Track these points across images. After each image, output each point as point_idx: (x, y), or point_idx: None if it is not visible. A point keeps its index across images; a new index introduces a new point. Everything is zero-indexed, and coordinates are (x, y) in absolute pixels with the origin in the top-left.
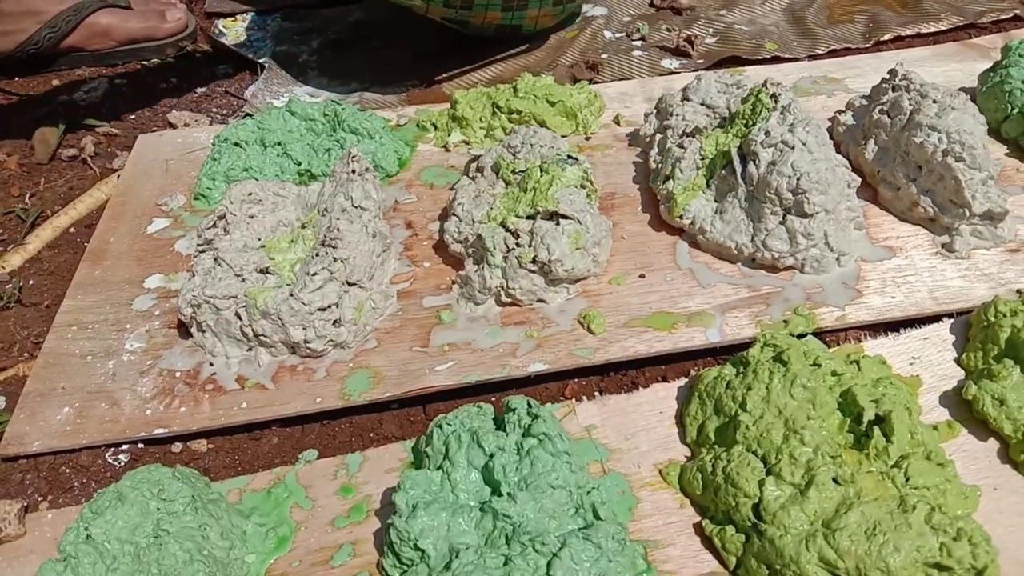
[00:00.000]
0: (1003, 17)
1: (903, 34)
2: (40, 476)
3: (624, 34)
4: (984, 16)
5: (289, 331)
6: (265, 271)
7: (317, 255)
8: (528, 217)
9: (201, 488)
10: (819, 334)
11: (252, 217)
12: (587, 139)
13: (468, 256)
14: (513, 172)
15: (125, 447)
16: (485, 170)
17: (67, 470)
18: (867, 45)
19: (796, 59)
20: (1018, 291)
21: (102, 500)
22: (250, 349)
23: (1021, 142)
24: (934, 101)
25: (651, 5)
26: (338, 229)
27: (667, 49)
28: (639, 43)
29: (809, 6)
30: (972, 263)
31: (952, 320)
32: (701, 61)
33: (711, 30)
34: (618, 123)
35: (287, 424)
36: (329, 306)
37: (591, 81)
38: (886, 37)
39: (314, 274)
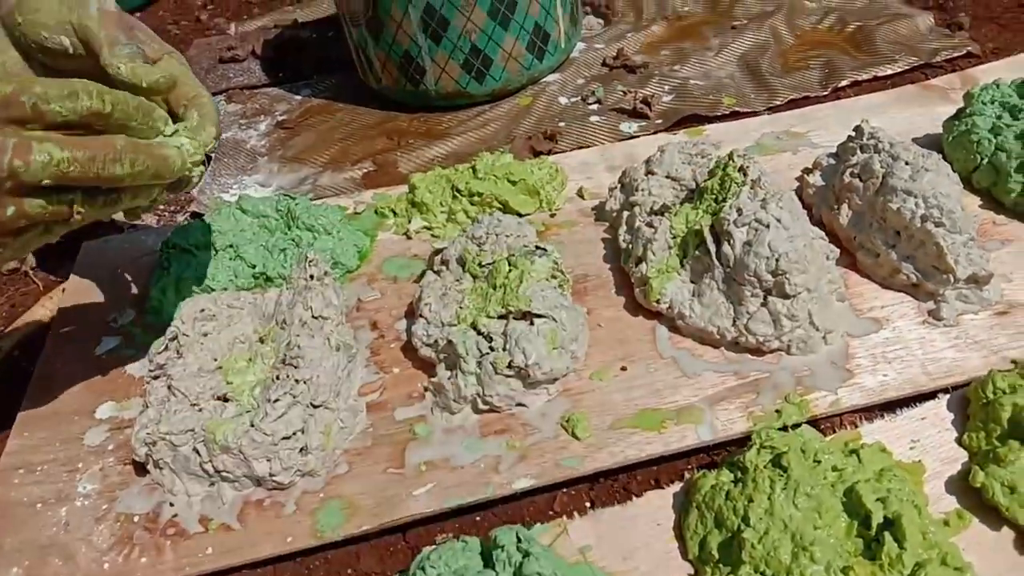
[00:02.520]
0: (957, 55)
1: (860, 78)
2: None
3: (579, 98)
4: (938, 55)
5: (252, 465)
6: (223, 398)
7: (278, 378)
8: (500, 317)
9: None
10: (813, 421)
11: (206, 335)
12: (552, 216)
13: (440, 361)
14: (479, 265)
15: None
16: (450, 263)
17: None
18: (825, 92)
19: (756, 112)
20: (1013, 361)
21: None
22: (212, 484)
23: (993, 192)
24: (907, 163)
25: (604, 65)
26: (299, 347)
27: (624, 111)
28: (595, 107)
29: (763, 55)
30: (961, 330)
31: (948, 396)
32: (660, 121)
33: (667, 87)
34: (582, 196)
35: (256, 566)
36: (294, 433)
37: (550, 152)
38: (843, 83)
39: (275, 400)
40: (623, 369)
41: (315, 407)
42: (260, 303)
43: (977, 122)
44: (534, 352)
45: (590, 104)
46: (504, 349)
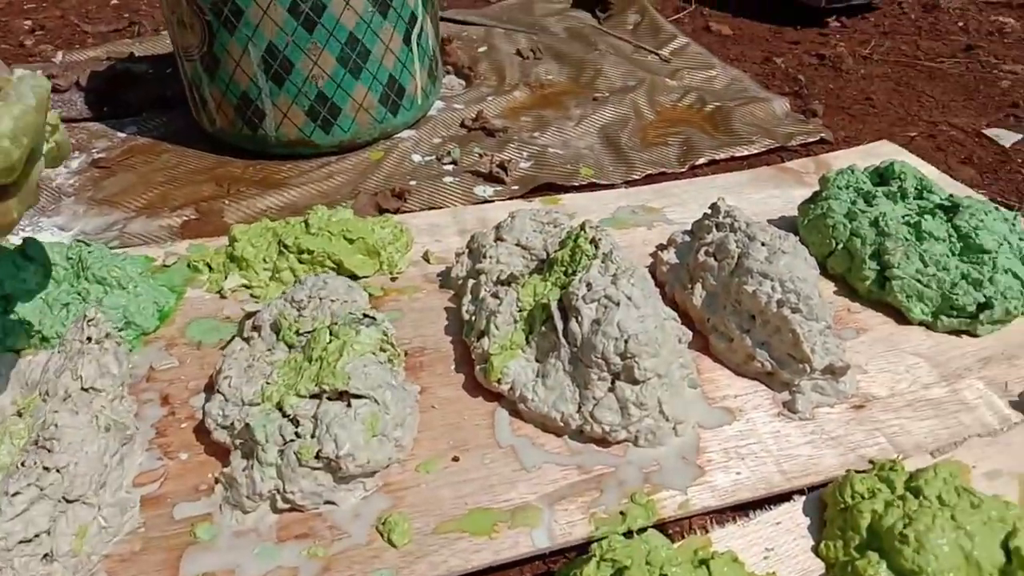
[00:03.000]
0: (811, 140)
1: (717, 157)
2: None
3: (434, 157)
4: (793, 139)
5: None
6: None
7: (23, 465)
8: (312, 396)
9: None
10: (661, 525)
11: None
12: (393, 280)
13: (235, 448)
14: (297, 334)
15: None
16: (263, 329)
17: None
18: (682, 169)
19: (613, 185)
20: (871, 461)
21: None
22: None
23: (848, 279)
24: (763, 244)
25: (462, 126)
26: (56, 426)
27: (480, 174)
28: (450, 167)
29: (623, 129)
30: (817, 425)
31: (804, 497)
32: (516, 187)
33: (525, 154)
34: (428, 260)
35: None
36: (36, 536)
37: (397, 211)
38: (701, 161)
39: (15, 494)
40: (455, 460)
41: (68, 502)
42: (25, 368)
43: (833, 206)
44: (348, 440)
45: (445, 164)
46: (313, 436)
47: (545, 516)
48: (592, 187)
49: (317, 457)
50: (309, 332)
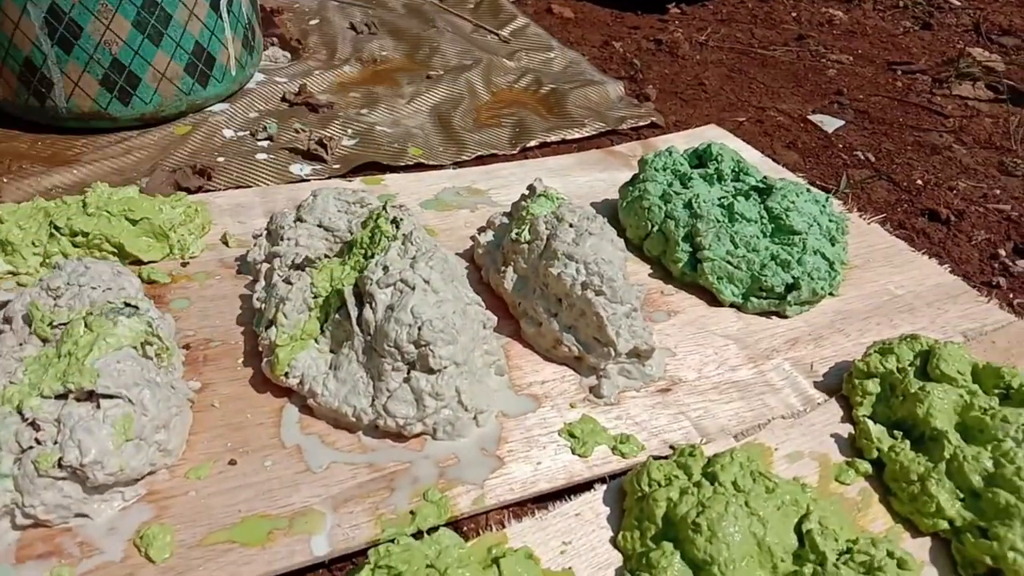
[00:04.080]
0: (641, 124)
1: (548, 140)
2: None
3: (248, 133)
4: (624, 123)
5: None
6: None
7: None
8: (58, 397)
9: None
10: (455, 522)
11: None
12: (184, 265)
13: None
14: (51, 326)
15: None
16: (15, 321)
17: None
18: (514, 151)
19: (441, 166)
20: (671, 446)
21: None
22: None
23: (663, 261)
24: (571, 225)
25: (283, 100)
26: None
27: (298, 151)
28: (266, 143)
29: (456, 108)
30: (623, 410)
31: (605, 487)
32: (337, 166)
33: (350, 131)
34: (226, 243)
35: None
36: None
37: (200, 189)
38: (532, 143)
39: None
40: (231, 463)
41: None
42: None
43: (649, 188)
44: (94, 446)
45: (260, 140)
46: (55, 442)
47: (328, 520)
48: (420, 167)
49: (59, 466)
50: (64, 324)
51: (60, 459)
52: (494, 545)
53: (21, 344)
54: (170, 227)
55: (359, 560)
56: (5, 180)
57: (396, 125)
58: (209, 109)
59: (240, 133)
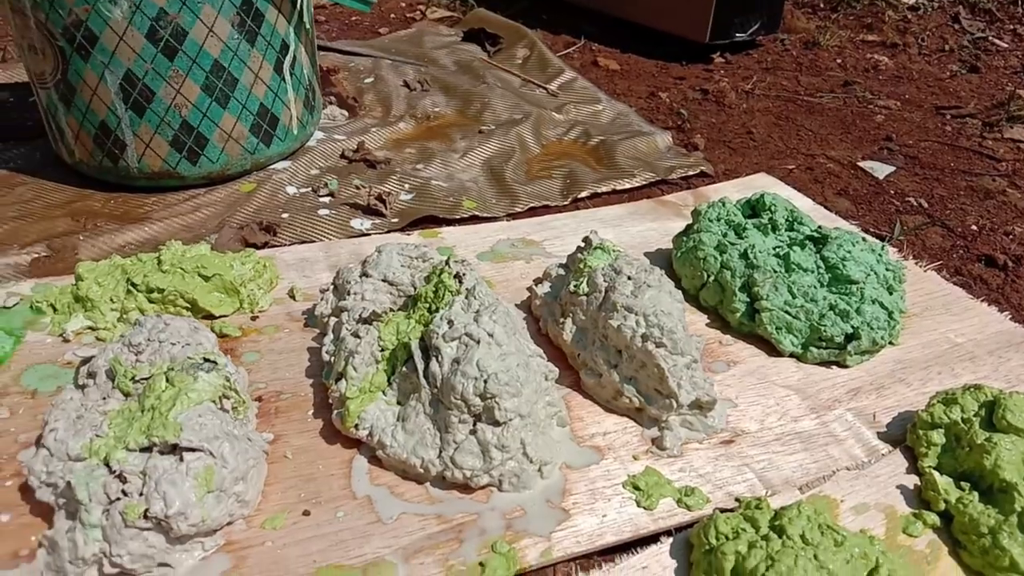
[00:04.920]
0: (691, 173)
1: (599, 191)
2: None
3: (311, 189)
4: (674, 172)
5: None
6: None
7: None
8: (142, 450)
9: None
10: (523, 575)
11: None
12: (253, 319)
13: (59, 508)
14: (133, 380)
15: None
16: (98, 376)
17: None
18: (565, 203)
19: (495, 218)
20: (736, 499)
21: None
22: None
23: (720, 311)
24: (629, 278)
25: (342, 157)
26: None
27: (358, 207)
28: (327, 199)
29: (507, 161)
30: (686, 462)
31: (672, 539)
32: (396, 220)
33: (407, 186)
34: (293, 297)
35: None
36: None
37: (266, 245)
38: (583, 194)
39: None
40: (305, 514)
41: None
42: None
43: (703, 239)
44: (178, 498)
45: (321, 196)
46: (141, 494)
47: (399, 571)
48: (475, 220)
49: (145, 517)
50: (145, 378)
51: (146, 510)
52: None
53: (104, 398)
54: (240, 282)
55: None
56: (81, 238)
57: (450, 179)
58: (272, 167)
59: (303, 190)
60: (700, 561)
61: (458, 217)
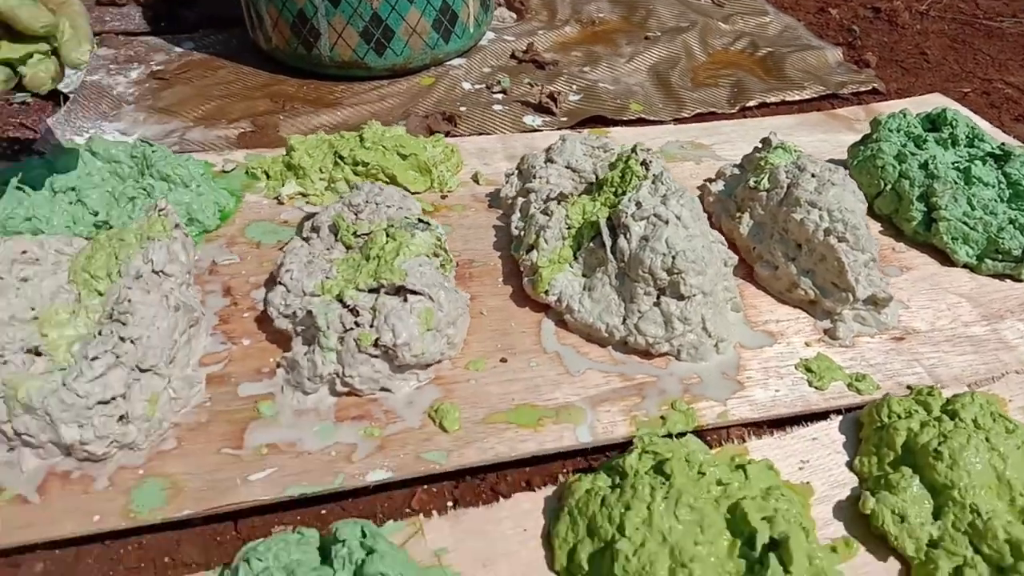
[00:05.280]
0: (863, 89)
1: (768, 101)
2: None
3: (484, 86)
4: (845, 87)
5: (60, 430)
6: (34, 351)
7: (100, 334)
8: (370, 291)
9: None
10: (699, 432)
11: (25, 281)
12: (443, 198)
13: (297, 335)
14: (354, 235)
15: None
16: (321, 230)
17: None
18: (732, 111)
19: (662, 122)
20: (908, 387)
21: None
22: (11, 449)
23: (894, 219)
24: (812, 175)
25: (512, 57)
26: (129, 301)
27: (529, 104)
28: (499, 96)
29: (673, 68)
30: (857, 352)
31: (841, 417)
32: (564, 119)
33: (574, 87)
34: (477, 181)
35: (56, 546)
36: (113, 398)
37: (448, 134)
38: (751, 103)
39: (94, 358)
40: (503, 361)
41: (142, 371)
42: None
43: (883, 148)
44: (405, 331)
45: (495, 93)
46: (371, 325)
47: (588, 415)
48: (641, 123)
49: (375, 345)
50: (366, 234)
51: (377, 339)
52: (736, 455)
53: (328, 249)
54: (433, 163)
55: (611, 454)
56: (281, 117)
57: (616, 83)
58: (449, 63)
59: (477, 86)
60: (871, 436)
61: (625, 119)
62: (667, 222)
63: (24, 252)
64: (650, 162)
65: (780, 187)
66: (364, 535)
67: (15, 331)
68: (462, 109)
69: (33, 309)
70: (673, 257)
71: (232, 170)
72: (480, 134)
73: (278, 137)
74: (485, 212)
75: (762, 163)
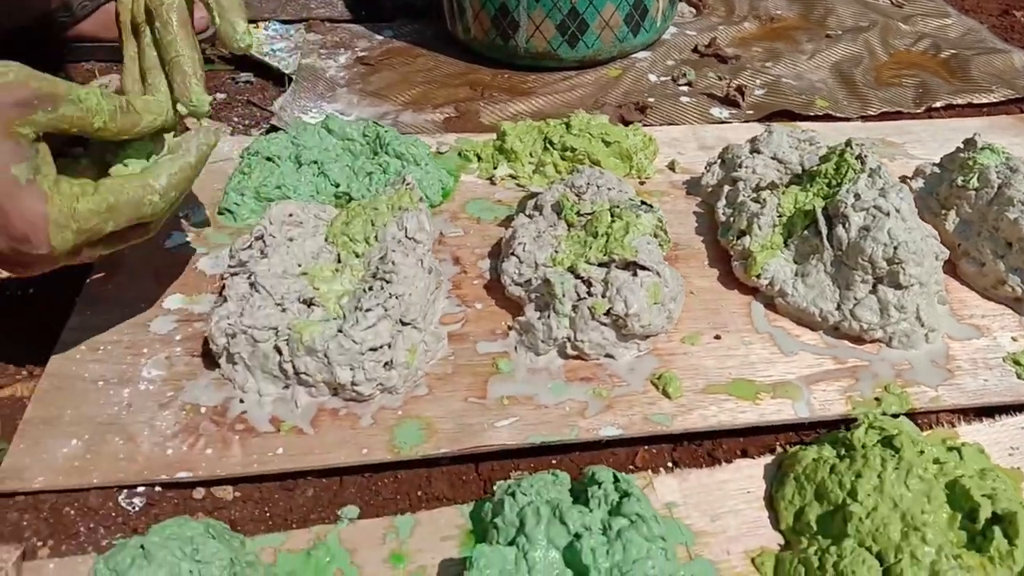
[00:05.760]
0: None
1: (954, 102)
2: (40, 517)
3: (669, 78)
4: None
5: (336, 371)
6: (309, 302)
7: (370, 289)
8: (600, 265)
9: (237, 548)
10: (911, 415)
11: (292, 240)
12: (641, 183)
13: (530, 301)
14: (578, 214)
15: (140, 490)
16: (544, 209)
17: (72, 512)
18: (918, 111)
19: (848, 119)
20: None
21: (122, 555)
22: (286, 387)
23: None
24: None
25: (694, 51)
26: (393, 262)
27: (715, 97)
28: (685, 88)
29: (856, 66)
30: None
31: None
32: (751, 112)
33: (758, 81)
34: (673, 169)
35: (323, 475)
36: (381, 346)
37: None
38: (937, 104)
39: (367, 310)
40: (717, 338)
41: (404, 324)
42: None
43: None
44: (635, 302)
45: (680, 85)
46: (603, 296)
47: (804, 393)
48: (828, 119)
49: (607, 314)
50: (588, 214)
51: (609, 309)
52: (947, 438)
53: (552, 226)
54: (633, 151)
55: (821, 432)
56: (481, 104)
57: (800, 79)
58: (634, 56)
59: (662, 78)
60: None
61: (812, 115)
62: (888, 214)
63: (291, 215)
64: (866, 156)
65: (991, 187)
66: (617, 479)
67: (289, 283)
68: (650, 100)
69: (300, 265)
70: (895, 247)
71: (446, 152)
72: (670, 124)
73: (480, 123)
74: (684, 199)
75: (970, 163)
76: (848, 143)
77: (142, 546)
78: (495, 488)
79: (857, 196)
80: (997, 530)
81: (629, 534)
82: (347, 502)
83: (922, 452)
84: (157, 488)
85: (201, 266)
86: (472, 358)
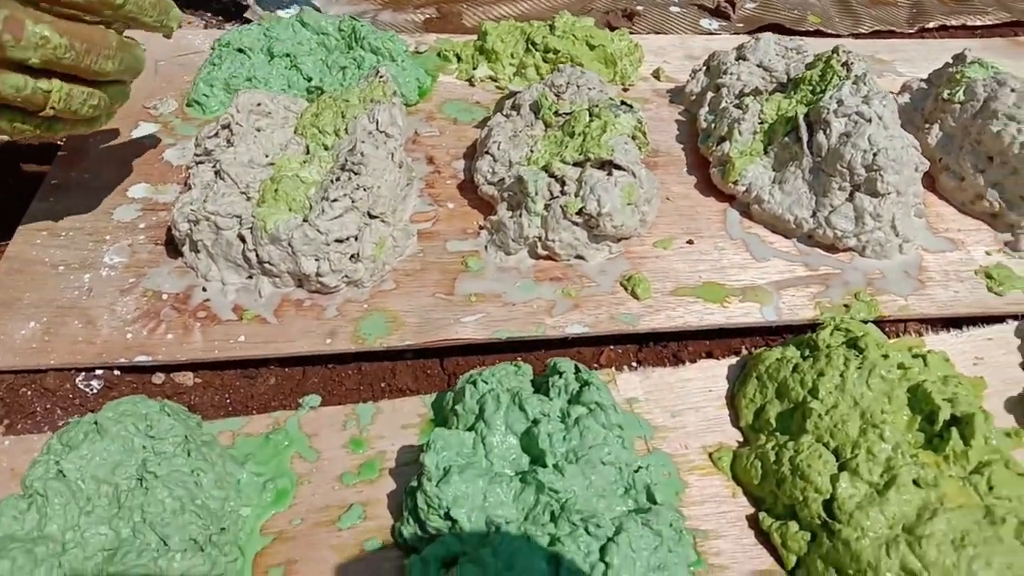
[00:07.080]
0: None
1: (948, 24)
2: None
3: None
4: None
5: (300, 261)
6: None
7: (337, 179)
8: (575, 164)
9: (193, 427)
10: (879, 324)
11: (259, 131)
12: (625, 90)
13: (502, 200)
14: (556, 114)
15: (99, 372)
16: (523, 108)
17: (29, 392)
18: (911, 31)
19: (839, 35)
20: None
21: (76, 431)
22: (250, 277)
23: None
24: (1012, 90)
25: None
26: (362, 154)
27: (705, 8)
28: None
29: None
30: None
31: (1018, 322)
32: (741, 25)
33: None
34: (657, 77)
35: (286, 364)
36: (348, 238)
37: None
38: (931, 24)
39: (334, 200)
40: (689, 242)
41: (372, 217)
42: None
43: None
44: (609, 202)
45: None
46: (577, 195)
47: (773, 297)
48: (819, 35)
49: (579, 213)
50: (567, 114)
51: (582, 208)
52: (913, 346)
53: (530, 126)
54: (618, 56)
55: (788, 337)
56: (465, 6)
57: None
58: None
59: None
60: None
61: (802, 30)
62: (869, 120)
63: (259, 104)
64: (852, 63)
65: (976, 100)
66: (578, 370)
67: (255, 173)
68: (639, 8)
69: (267, 156)
70: (874, 154)
71: (424, 52)
72: (657, 33)
73: (462, 25)
74: (667, 107)
75: (957, 76)
76: (835, 49)
77: (95, 422)
78: (460, 379)
79: (840, 102)
80: (954, 431)
81: (587, 421)
82: (309, 391)
83: (886, 356)
84: (116, 372)
85: (168, 157)
86: (441, 256)
